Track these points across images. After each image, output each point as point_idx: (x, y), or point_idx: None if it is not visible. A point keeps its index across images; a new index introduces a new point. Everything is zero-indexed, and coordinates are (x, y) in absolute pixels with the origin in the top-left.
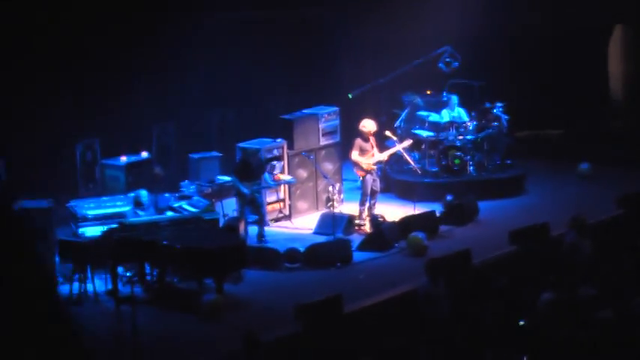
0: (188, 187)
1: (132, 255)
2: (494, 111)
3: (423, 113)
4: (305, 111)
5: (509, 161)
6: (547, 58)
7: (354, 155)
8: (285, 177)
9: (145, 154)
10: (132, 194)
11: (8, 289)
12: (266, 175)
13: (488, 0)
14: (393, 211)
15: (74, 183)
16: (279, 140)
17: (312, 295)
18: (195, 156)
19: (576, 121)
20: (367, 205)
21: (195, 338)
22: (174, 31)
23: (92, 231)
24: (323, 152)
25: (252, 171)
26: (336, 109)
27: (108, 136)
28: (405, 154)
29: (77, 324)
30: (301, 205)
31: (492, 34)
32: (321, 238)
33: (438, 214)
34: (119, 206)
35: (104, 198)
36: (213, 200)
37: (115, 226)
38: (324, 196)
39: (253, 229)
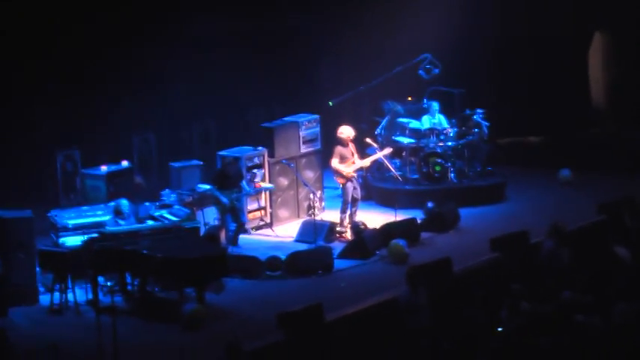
0: (169, 196)
1: (112, 265)
2: (475, 118)
3: (404, 120)
4: (285, 119)
5: (489, 168)
6: (527, 65)
7: (334, 163)
8: (265, 184)
9: (125, 164)
10: (112, 204)
11: None
12: (244, 182)
13: (468, 8)
14: (374, 218)
15: (55, 193)
16: (259, 148)
17: (294, 304)
18: (176, 165)
19: (557, 128)
20: (348, 212)
21: (176, 348)
22: (154, 41)
23: (73, 241)
24: (304, 160)
25: (230, 180)
26: (316, 116)
27: (88, 146)
28: (385, 162)
29: None
30: (282, 213)
31: (472, 41)
32: (303, 246)
33: (419, 222)
34: (100, 216)
35: (84, 208)
36: (194, 209)
37: (95, 235)
38: (305, 204)
39: (243, 239)
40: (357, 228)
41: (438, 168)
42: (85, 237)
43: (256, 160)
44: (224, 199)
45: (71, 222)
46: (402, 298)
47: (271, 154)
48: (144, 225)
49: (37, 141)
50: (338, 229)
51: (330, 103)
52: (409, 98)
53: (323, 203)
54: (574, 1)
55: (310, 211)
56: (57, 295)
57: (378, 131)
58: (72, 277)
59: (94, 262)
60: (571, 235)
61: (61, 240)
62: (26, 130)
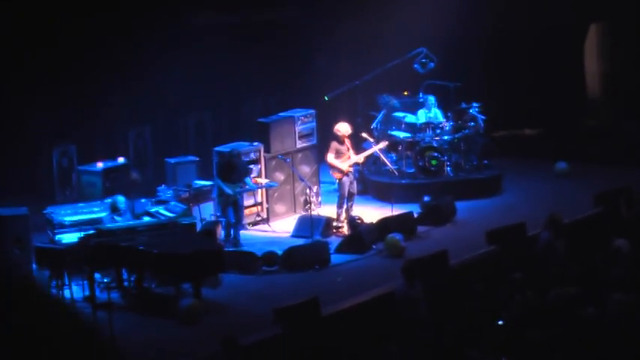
0: (165, 191)
1: (109, 261)
2: (471, 111)
3: (400, 114)
4: (281, 114)
5: (486, 161)
6: (523, 57)
7: (330, 158)
8: (265, 180)
9: (121, 160)
10: (109, 200)
11: None
12: (248, 179)
13: (463, 1)
14: (370, 212)
15: (51, 190)
16: (255, 144)
17: (291, 298)
18: (172, 160)
19: (553, 120)
20: (345, 207)
21: (173, 343)
22: (149, 36)
23: (69, 237)
24: (300, 155)
25: (237, 172)
26: (312, 111)
27: (84, 142)
28: (381, 156)
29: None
30: (279, 208)
31: (468, 34)
32: (299, 241)
33: (415, 215)
34: (96, 212)
35: (81, 204)
36: (191, 205)
37: (91, 232)
38: (301, 199)
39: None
40: (353, 222)
41: (434, 162)
42: (82, 233)
43: (252, 156)
44: (228, 191)
45: (67, 219)
46: (398, 291)
47: (267, 150)
48: (140, 221)
49: (33, 137)
50: (334, 223)
51: (326, 98)
52: (405, 92)
53: (319, 198)
54: None
55: (307, 206)
56: (53, 292)
57: (373, 125)
58: (68, 273)
59: (90, 258)
60: (568, 226)
61: (58, 237)
62: (21, 127)
